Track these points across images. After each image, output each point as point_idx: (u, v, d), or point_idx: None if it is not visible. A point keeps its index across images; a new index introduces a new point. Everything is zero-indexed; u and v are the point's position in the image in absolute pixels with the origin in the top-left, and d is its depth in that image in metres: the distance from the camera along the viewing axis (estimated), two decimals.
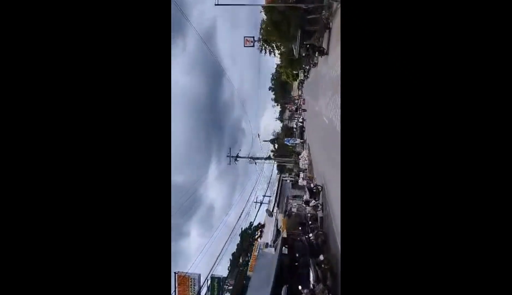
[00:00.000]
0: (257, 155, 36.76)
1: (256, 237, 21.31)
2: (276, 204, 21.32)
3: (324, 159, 14.00)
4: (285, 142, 37.90)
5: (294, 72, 43.13)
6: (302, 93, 45.04)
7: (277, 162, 39.67)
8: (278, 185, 26.14)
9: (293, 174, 32.04)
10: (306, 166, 22.76)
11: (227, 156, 34.40)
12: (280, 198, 22.04)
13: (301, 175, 19.32)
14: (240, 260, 19.01)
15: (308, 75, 34.43)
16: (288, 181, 27.61)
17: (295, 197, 19.93)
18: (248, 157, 35.38)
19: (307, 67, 35.71)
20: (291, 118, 55.53)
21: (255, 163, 35.51)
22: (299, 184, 18.57)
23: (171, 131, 1.84)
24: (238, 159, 34.38)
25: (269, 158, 37.23)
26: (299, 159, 25.35)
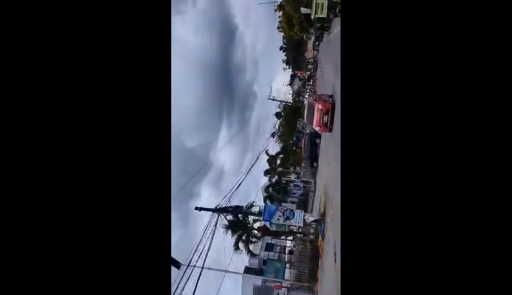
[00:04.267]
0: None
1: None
2: None
3: None
4: (264, 220, 14.54)
5: (303, 12, 24.00)
6: (318, 53, 33.14)
7: None
8: None
9: None
10: None
11: None
12: None
13: None
14: None
15: (337, 12, 20.28)
16: None
17: None
18: None
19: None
20: (300, 92, 43.59)
21: None
22: None
23: (171, 122, 1.93)
24: None
25: None
26: None
